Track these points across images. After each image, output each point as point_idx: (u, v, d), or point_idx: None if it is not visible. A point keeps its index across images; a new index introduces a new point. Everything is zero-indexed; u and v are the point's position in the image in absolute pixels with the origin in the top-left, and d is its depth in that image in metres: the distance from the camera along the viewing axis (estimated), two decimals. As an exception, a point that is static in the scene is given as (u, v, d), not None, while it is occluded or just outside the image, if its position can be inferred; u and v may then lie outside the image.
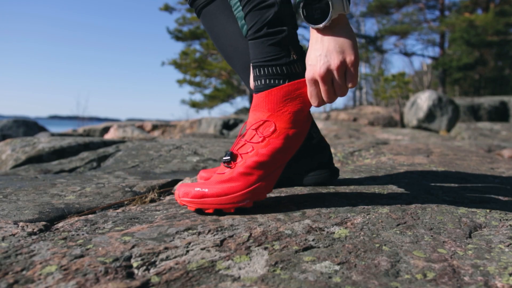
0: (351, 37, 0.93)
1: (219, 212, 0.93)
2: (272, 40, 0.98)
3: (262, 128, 0.97)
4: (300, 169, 1.02)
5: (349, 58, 0.92)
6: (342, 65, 0.92)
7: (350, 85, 0.94)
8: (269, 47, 0.98)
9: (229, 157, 0.97)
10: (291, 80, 0.98)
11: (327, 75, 0.93)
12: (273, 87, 0.98)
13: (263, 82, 0.99)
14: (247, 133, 0.99)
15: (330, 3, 0.89)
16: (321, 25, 0.92)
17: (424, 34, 17.69)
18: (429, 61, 17.98)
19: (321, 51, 0.93)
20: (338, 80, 0.93)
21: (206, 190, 0.91)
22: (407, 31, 17.17)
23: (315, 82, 0.95)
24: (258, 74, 1.00)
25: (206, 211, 0.92)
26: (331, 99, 0.96)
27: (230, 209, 0.92)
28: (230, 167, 0.96)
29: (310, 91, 0.97)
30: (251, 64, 1.04)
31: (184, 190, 0.93)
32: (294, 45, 0.99)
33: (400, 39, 18.08)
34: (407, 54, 18.41)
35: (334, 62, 0.92)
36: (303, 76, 0.99)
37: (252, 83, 1.05)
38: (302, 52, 1.01)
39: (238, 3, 1.08)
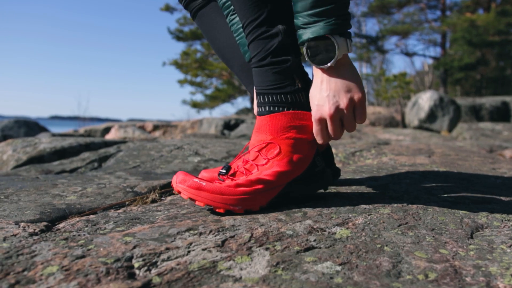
0: (356, 76, 0.96)
1: (210, 209, 0.94)
2: (276, 68, 0.99)
3: (265, 150, 0.99)
4: (296, 193, 1.03)
5: (357, 96, 0.95)
6: (351, 103, 0.95)
7: (359, 121, 0.97)
8: (274, 75, 0.99)
9: (225, 171, 0.99)
10: (295, 109, 1.00)
11: (337, 114, 0.95)
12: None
13: (266, 109, 1.01)
14: (251, 154, 1.00)
15: (335, 44, 0.91)
16: (327, 65, 0.94)
17: (425, 34, 17.68)
18: (430, 61, 17.94)
19: (328, 92, 0.95)
20: (347, 118, 0.96)
21: (204, 183, 0.92)
22: (408, 31, 17.15)
23: (322, 121, 0.97)
24: (262, 101, 1.01)
25: (197, 203, 0.92)
26: (338, 136, 0.99)
27: (220, 209, 0.92)
28: (223, 180, 0.98)
29: (316, 129, 0.99)
30: (254, 91, 1.04)
31: (182, 177, 0.94)
32: (298, 74, 1.00)
33: (401, 39, 18.06)
34: (409, 54, 18.39)
35: (343, 102, 0.94)
36: (307, 106, 1.01)
37: (255, 108, 1.06)
38: (306, 81, 1.03)
39: (241, 30, 1.09)
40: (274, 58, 0.98)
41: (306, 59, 0.96)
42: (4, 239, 0.75)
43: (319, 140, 1.00)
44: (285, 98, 0.99)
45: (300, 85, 1.00)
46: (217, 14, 1.19)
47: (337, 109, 0.95)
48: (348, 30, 0.95)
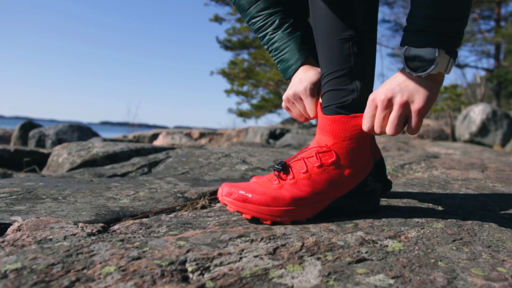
0: (434, 90, 0.89)
1: (255, 220, 0.94)
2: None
3: (322, 155, 0.98)
4: (343, 209, 1.01)
5: (417, 104, 0.88)
6: (405, 106, 0.89)
7: (409, 131, 0.90)
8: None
9: (280, 167, 0.98)
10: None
11: (386, 103, 0.90)
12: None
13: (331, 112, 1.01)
14: (307, 151, 1.00)
15: (436, 60, 0.85)
16: (418, 75, 0.88)
17: (478, 45, 17.09)
18: (483, 73, 17.33)
19: (399, 83, 0.90)
20: (393, 116, 0.90)
21: (250, 195, 0.92)
22: (460, 42, 16.64)
23: (373, 104, 0.93)
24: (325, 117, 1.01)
25: (243, 216, 0.93)
26: (380, 129, 0.92)
27: (267, 221, 0.92)
28: (279, 177, 0.97)
29: (366, 111, 0.94)
30: (320, 97, 1.05)
31: (228, 189, 0.94)
32: None
33: (452, 50, 17.54)
34: (460, 66, 17.85)
35: (400, 99, 0.88)
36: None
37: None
38: None
39: (275, 48, 1.15)
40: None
41: (402, 58, 0.89)
42: (65, 238, 0.78)
43: (364, 124, 0.95)
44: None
45: None
46: None
47: (390, 99, 0.89)
48: (456, 50, 0.89)
